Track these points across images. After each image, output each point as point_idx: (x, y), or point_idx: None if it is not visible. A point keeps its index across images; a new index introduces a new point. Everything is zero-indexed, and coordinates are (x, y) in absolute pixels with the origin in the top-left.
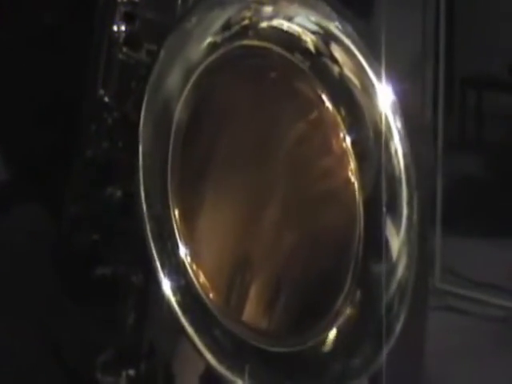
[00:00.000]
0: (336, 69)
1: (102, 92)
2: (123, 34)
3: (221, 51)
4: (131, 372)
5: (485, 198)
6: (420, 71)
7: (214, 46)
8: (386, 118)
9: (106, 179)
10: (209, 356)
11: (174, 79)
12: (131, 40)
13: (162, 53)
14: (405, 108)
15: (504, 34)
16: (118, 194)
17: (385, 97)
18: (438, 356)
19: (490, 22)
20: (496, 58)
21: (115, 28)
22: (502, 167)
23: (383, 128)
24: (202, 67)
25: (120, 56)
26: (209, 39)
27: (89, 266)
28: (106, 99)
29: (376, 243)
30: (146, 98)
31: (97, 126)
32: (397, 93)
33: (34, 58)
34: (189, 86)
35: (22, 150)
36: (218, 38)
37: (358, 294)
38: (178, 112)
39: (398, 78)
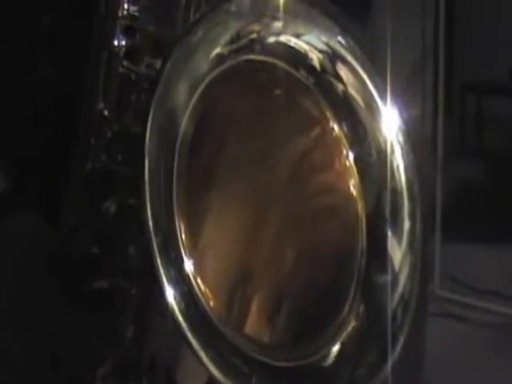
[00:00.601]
0: (340, 87)
1: (101, 105)
2: (123, 48)
3: (227, 64)
4: None
5: (484, 205)
6: (420, 77)
7: (220, 58)
8: (390, 140)
9: (104, 192)
10: (213, 370)
11: (180, 92)
12: (131, 53)
13: (168, 65)
14: (408, 128)
15: (504, 40)
16: (117, 206)
17: (390, 120)
18: (438, 362)
19: (490, 27)
20: (496, 63)
21: (115, 42)
22: (502, 173)
23: (388, 151)
24: (208, 79)
25: (120, 69)
26: (216, 50)
27: (88, 277)
28: (106, 112)
29: (379, 256)
30: (151, 112)
31: (96, 139)
32: (402, 117)
33: (32, 69)
34: (195, 98)
35: (21, 158)
36: (226, 50)
37: (362, 306)
38: (184, 125)
39: (402, 100)
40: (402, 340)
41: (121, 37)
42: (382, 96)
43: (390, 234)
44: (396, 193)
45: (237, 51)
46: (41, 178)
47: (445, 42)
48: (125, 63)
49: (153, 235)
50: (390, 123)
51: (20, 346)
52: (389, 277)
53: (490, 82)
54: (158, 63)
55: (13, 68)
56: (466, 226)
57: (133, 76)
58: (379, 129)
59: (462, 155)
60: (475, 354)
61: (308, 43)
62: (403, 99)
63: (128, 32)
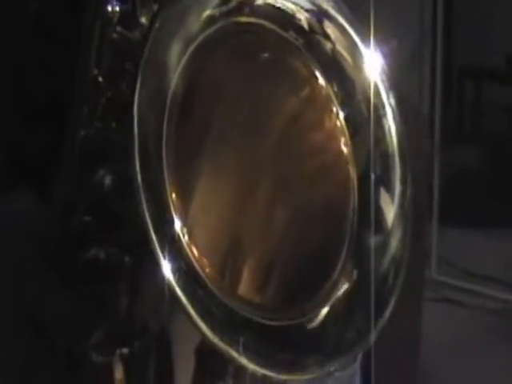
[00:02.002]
0: (328, 45)
1: (95, 72)
2: (117, 14)
3: (218, 25)
4: (124, 351)
5: (482, 190)
6: (418, 62)
7: (211, 20)
8: (379, 94)
9: (98, 160)
10: (204, 328)
11: (171, 51)
12: (125, 19)
13: (158, 26)
14: (393, 69)
15: (502, 25)
16: (111, 175)
17: (375, 67)
18: (434, 347)
19: (488, 12)
20: (494, 48)
21: (109, 7)
22: (500, 158)
23: (372, 96)
24: (199, 40)
25: (114, 35)
26: (207, 12)
27: (81, 247)
28: (100, 79)
29: (370, 216)
30: (141, 70)
31: (90, 106)
32: (388, 67)
33: (24, 39)
34: (186, 57)
35: (13, 132)
36: (216, 12)
37: (353, 267)
38: (174, 85)
39: (389, 54)
40: (392, 302)
41: (114, 2)
42: (371, 53)
43: (381, 193)
44: (387, 155)
45: (227, 13)
46: (33, 151)
47: (443, 27)
48: (118, 29)
49: (144, 202)
50: (378, 80)
51: (11, 317)
52: (375, 237)
53: (488, 67)
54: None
55: (5, 38)
56: (463, 211)
57: (127, 42)
58: (368, 85)
59: (460, 140)
60: (472, 338)
61: (294, 3)
62: (390, 52)
63: None
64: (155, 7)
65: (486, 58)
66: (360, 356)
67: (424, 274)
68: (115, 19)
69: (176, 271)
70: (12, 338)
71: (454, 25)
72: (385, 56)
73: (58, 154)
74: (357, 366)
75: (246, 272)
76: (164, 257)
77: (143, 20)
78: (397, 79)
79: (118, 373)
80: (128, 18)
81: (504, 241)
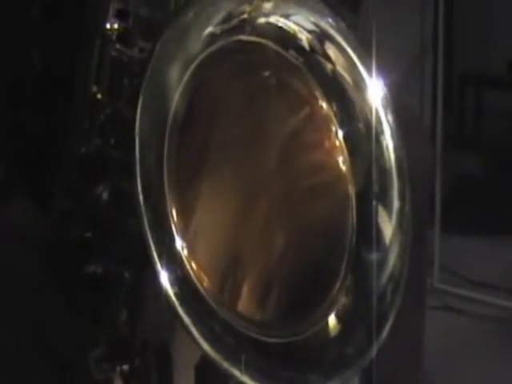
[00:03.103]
0: (329, 66)
1: (94, 89)
2: (116, 31)
3: (219, 44)
4: (125, 367)
5: (484, 197)
6: (419, 69)
7: (213, 37)
8: (377, 112)
9: (97, 176)
10: (205, 346)
11: (172, 70)
12: (124, 37)
13: (159, 46)
14: (395, 100)
15: (503, 31)
16: (110, 190)
17: (375, 91)
18: (436, 355)
19: (489, 18)
20: (495, 54)
21: (108, 25)
22: (501, 165)
23: (373, 121)
24: (200, 58)
25: (113, 53)
26: (209, 29)
27: (80, 262)
28: (99, 96)
29: (369, 233)
30: (143, 90)
31: (89, 123)
32: (387, 86)
33: (25, 55)
34: (187, 76)
35: (14, 144)
36: (218, 30)
37: (352, 283)
38: (175, 104)
39: (388, 71)
40: (391, 317)
41: (113, 20)
42: (370, 73)
43: (380, 210)
44: (385, 172)
45: (228, 31)
46: (33, 165)
47: (444, 34)
48: (117, 46)
49: (145, 218)
50: (377, 100)
51: (11, 331)
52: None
53: (488, 74)
54: (152, 42)
55: (4, 53)
56: (465, 218)
57: (125, 59)
58: (368, 106)
59: (461, 147)
60: (474, 346)
61: (297, 24)
62: (392, 78)
63: (120, 15)
64: (154, 26)
65: (486, 64)
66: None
67: (426, 282)
68: (114, 37)
69: (176, 287)
70: (10, 352)
71: (454, 32)
72: (386, 82)
73: (58, 167)
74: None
75: (246, 289)
76: (164, 272)
77: (140, 39)
78: (396, 95)
79: None
80: (126, 36)
81: (506, 248)
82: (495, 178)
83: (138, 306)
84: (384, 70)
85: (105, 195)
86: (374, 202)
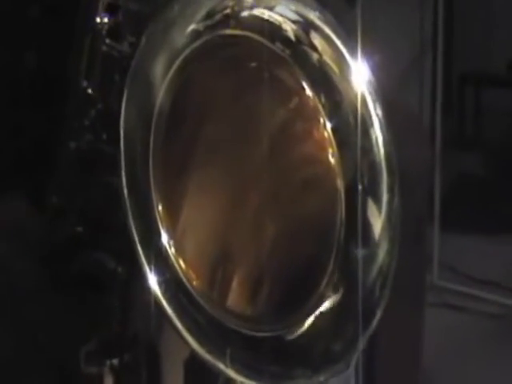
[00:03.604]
0: (315, 56)
1: (85, 84)
2: (106, 26)
3: (203, 39)
4: (115, 361)
5: (483, 195)
6: (418, 69)
7: (197, 34)
8: (367, 105)
9: (89, 171)
10: (190, 340)
11: (157, 65)
12: (114, 31)
13: (144, 40)
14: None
15: (502, 31)
16: (102, 186)
17: (361, 76)
18: (436, 352)
19: (489, 18)
20: (494, 54)
21: (98, 20)
22: (500, 164)
23: (359, 107)
24: (184, 54)
25: (103, 48)
26: (192, 26)
27: (72, 257)
28: (90, 91)
29: (357, 228)
30: (128, 84)
31: (80, 118)
32: (373, 70)
33: (19, 52)
34: (172, 71)
35: (5, 141)
36: (201, 26)
37: (340, 278)
38: (161, 98)
39: (374, 55)
40: (379, 313)
41: (103, 14)
42: (355, 58)
43: (369, 204)
44: (375, 165)
45: (212, 27)
46: (25, 160)
47: (443, 33)
48: (107, 41)
49: (130, 215)
50: (363, 84)
51: (4, 327)
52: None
53: (488, 73)
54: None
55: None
56: (464, 216)
57: (116, 54)
58: (355, 95)
59: (461, 146)
60: (474, 344)
61: (281, 15)
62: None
63: (110, 9)
64: (142, 20)
65: (486, 64)
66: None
67: (425, 280)
68: (104, 31)
69: (162, 284)
70: (2, 348)
71: (454, 32)
72: (372, 67)
73: (50, 162)
74: (351, 371)
75: (235, 284)
76: (150, 269)
77: (130, 33)
78: (385, 89)
79: (108, 382)
80: (116, 30)
81: (505, 246)
82: (494, 176)
83: (129, 301)
84: (369, 54)
85: (97, 190)
86: (361, 195)
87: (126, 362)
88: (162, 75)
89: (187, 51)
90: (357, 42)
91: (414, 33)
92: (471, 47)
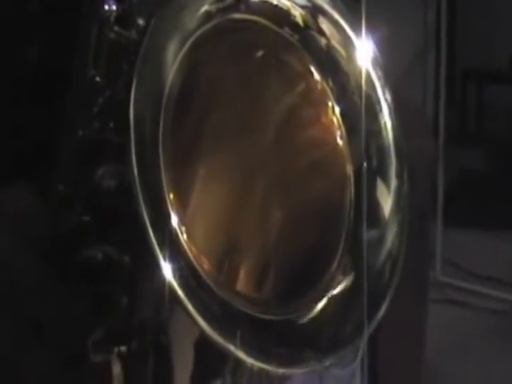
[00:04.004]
0: (323, 41)
1: (92, 72)
2: (114, 13)
3: (214, 22)
4: (122, 349)
5: (486, 191)
6: (422, 64)
7: (208, 16)
8: (375, 91)
9: (97, 160)
10: (201, 322)
11: (168, 47)
12: (122, 19)
13: (155, 22)
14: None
15: (505, 27)
16: (110, 174)
17: (365, 53)
18: (438, 348)
19: (492, 14)
20: (497, 50)
21: (106, 7)
22: (503, 160)
23: (363, 82)
24: (195, 36)
25: (111, 35)
26: (204, 8)
27: (79, 246)
28: (97, 79)
29: (367, 209)
30: (138, 66)
31: (88, 106)
32: (378, 47)
33: (24, 37)
34: (182, 53)
35: (12, 129)
36: (213, 8)
37: (350, 261)
38: (170, 81)
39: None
40: (388, 298)
41: (111, 2)
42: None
43: (378, 184)
44: (383, 149)
45: (223, 10)
46: (31, 149)
47: (446, 29)
48: (116, 29)
49: (142, 201)
50: (368, 61)
51: (9, 318)
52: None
53: (491, 69)
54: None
55: (3, 37)
56: (467, 212)
57: (124, 41)
58: (363, 78)
59: (463, 141)
60: (476, 339)
61: (289, 0)
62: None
63: None
64: (152, 6)
65: (488, 59)
66: (360, 355)
67: (429, 276)
68: (112, 19)
69: (175, 269)
70: (8, 336)
71: (457, 28)
72: (377, 44)
73: (56, 151)
74: (357, 365)
75: (244, 268)
76: (163, 255)
77: (140, 20)
78: (393, 73)
79: (116, 369)
80: (125, 18)
81: (508, 242)
82: (497, 171)
83: (136, 288)
84: (377, 40)
85: (104, 179)
86: (370, 176)
87: (133, 349)
88: (172, 58)
89: (198, 33)
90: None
91: (417, 29)
92: (474, 43)
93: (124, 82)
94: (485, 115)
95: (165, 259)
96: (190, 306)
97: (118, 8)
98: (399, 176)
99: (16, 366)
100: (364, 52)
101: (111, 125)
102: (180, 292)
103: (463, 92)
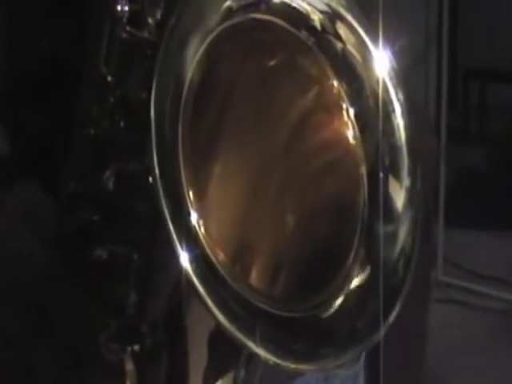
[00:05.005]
0: (339, 45)
1: (104, 70)
2: (126, 13)
3: (234, 20)
4: (136, 347)
5: (487, 191)
6: (424, 64)
7: (229, 12)
8: (387, 88)
9: (107, 158)
10: (220, 317)
11: (188, 44)
12: (135, 19)
13: (175, 19)
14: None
15: (507, 26)
16: (119, 172)
17: (382, 63)
18: (440, 348)
19: (494, 13)
20: (499, 49)
21: (118, 7)
22: (505, 159)
23: (381, 93)
24: (216, 32)
25: (123, 35)
26: (227, 3)
27: (89, 245)
28: (109, 78)
29: (381, 206)
30: (157, 65)
31: (98, 104)
32: (394, 57)
33: (35, 34)
34: (202, 49)
35: (21, 126)
36: (235, 5)
37: (365, 257)
38: (189, 77)
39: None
40: (403, 294)
41: (124, 2)
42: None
43: (391, 181)
44: (396, 149)
45: (244, 8)
46: (41, 146)
47: (448, 28)
48: (128, 28)
49: (162, 196)
50: (384, 71)
51: (18, 316)
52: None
53: (493, 68)
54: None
55: (14, 34)
56: (469, 212)
57: (136, 41)
58: (377, 82)
59: (465, 141)
60: (478, 339)
61: (310, 4)
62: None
63: None
64: (164, 6)
65: (490, 59)
66: (364, 355)
67: (431, 276)
68: (124, 19)
69: (193, 261)
70: (17, 333)
71: (459, 27)
72: (393, 54)
73: (66, 149)
74: (361, 365)
75: (259, 265)
76: (182, 247)
77: (151, 20)
78: (405, 75)
79: (129, 366)
80: (137, 18)
81: (510, 241)
82: (499, 170)
83: (148, 287)
84: (393, 50)
85: (114, 178)
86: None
87: (147, 347)
88: (192, 55)
89: (219, 29)
90: (378, 30)
91: (419, 27)
92: (476, 42)
93: (136, 81)
94: (487, 114)
95: (183, 250)
96: (209, 300)
97: (130, 8)
98: (412, 175)
99: (26, 364)
100: (381, 61)
101: (122, 124)
102: (199, 285)
103: (465, 91)
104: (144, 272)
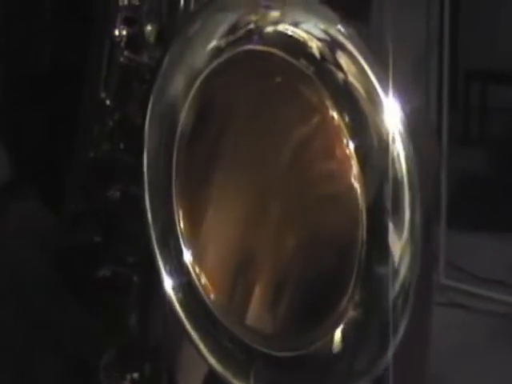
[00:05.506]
0: (340, 75)
1: (103, 94)
2: (124, 38)
3: (224, 56)
4: (135, 375)
5: (489, 193)
6: (424, 66)
7: (218, 51)
8: (392, 130)
9: (107, 180)
10: (213, 361)
11: (178, 84)
12: (133, 43)
13: (167, 58)
14: (410, 118)
15: (508, 27)
16: (119, 194)
17: (391, 110)
18: (442, 352)
19: (495, 14)
20: (500, 51)
21: (116, 31)
22: (506, 162)
23: (390, 144)
24: (205, 72)
25: (121, 59)
26: (213, 43)
27: (90, 266)
28: (108, 102)
29: (379, 246)
30: (151, 102)
31: (98, 128)
32: (403, 107)
33: (35, 58)
34: (193, 91)
35: (24, 148)
36: (223, 42)
37: (362, 295)
38: (183, 117)
39: (404, 90)
40: (402, 329)
41: (122, 26)
42: (384, 85)
43: (391, 224)
44: (397, 182)
45: (234, 42)
46: (44, 167)
47: (450, 30)
48: (126, 53)
49: (151, 225)
50: (391, 113)
51: (22, 335)
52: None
53: (494, 70)
54: (159, 53)
55: (16, 56)
56: (470, 215)
57: (134, 66)
58: (380, 118)
59: (467, 143)
60: (480, 342)
61: (307, 32)
62: (405, 89)
63: (129, 22)
64: (161, 33)
65: (491, 60)
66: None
67: (433, 279)
68: (122, 43)
69: (179, 291)
70: (18, 352)
71: (460, 28)
72: (403, 106)
73: (68, 170)
74: None
75: (254, 300)
76: (168, 277)
77: (148, 48)
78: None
79: None
80: (135, 42)
81: (511, 244)
82: (500, 173)
83: (148, 310)
84: (401, 91)
85: (114, 199)
86: (384, 217)
87: (146, 374)
88: (184, 93)
89: (209, 69)
90: (384, 66)
91: (420, 30)
92: (477, 43)
93: (134, 104)
94: (488, 116)
95: (170, 281)
96: (200, 344)
97: (128, 32)
98: (412, 206)
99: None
100: (391, 112)
101: (121, 146)
102: (190, 329)
103: (466, 93)
104: (144, 295)
